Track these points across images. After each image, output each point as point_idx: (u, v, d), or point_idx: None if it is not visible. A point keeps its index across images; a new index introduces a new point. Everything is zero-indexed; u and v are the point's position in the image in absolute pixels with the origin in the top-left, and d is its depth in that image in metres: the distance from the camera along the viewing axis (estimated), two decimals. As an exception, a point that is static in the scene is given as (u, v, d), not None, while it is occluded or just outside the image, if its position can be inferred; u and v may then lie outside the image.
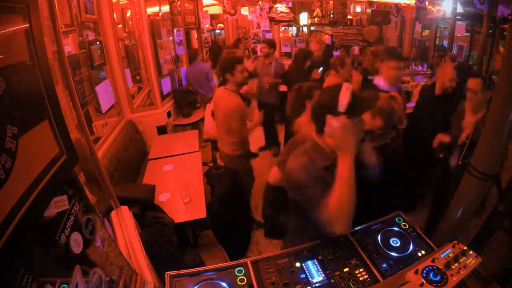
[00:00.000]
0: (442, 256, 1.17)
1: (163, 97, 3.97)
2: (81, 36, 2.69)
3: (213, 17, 8.03)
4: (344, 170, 1.18)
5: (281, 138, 4.31)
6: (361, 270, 1.21)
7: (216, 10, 7.63)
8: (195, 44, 5.65)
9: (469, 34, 5.45)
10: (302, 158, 1.30)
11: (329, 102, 1.18)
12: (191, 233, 2.32)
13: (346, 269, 1.21)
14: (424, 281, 1.07)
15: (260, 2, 6.96)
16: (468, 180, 1.93)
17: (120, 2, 3.50)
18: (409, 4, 6.69)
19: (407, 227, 1.42)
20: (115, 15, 3.15)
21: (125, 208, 1.75)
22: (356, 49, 6.96)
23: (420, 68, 5.74)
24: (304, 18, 7.78)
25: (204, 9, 6.56)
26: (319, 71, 3.64)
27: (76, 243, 0.97)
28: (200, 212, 2.14)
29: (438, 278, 1.08)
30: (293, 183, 1.30)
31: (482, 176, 1.83)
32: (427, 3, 5.98)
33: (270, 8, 6.89)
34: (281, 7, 6.61)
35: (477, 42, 5.10)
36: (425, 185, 3.21)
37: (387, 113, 2.01)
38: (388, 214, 1.50)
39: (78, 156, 1.13)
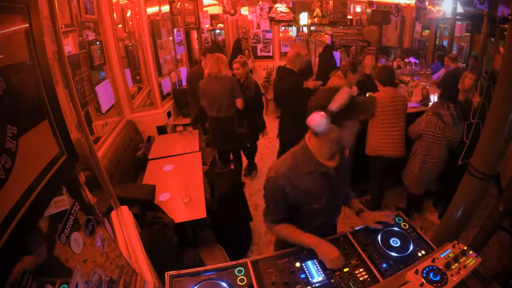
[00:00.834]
0: (442, 256, 1.17)
1: (163, 97, 3.97)
2: (81, 36, 2.69)
3: (213, 17, 8.02)
4: (308, 241, 1.28)
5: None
6: (361, 270, 1.21)
7: (216, 10, 7.62)
8: (195, 44, 5.65)
9: (469, 34, 5.45)
10: (287, 161, 1.30)
11: (321, 100, 1.17)
12: (191, 233, 2.32)
13: (346, 269, 1.21)
14: (424, 281, 1.07)
15: (260, 2, 6.97)
16: (468, 180, 1.93)
17: (120, 2, 3.50)
18: (409, 4, 6.69)
19: (407, 227, 1.42)
20: (115, 15, 3.15)
21: (125, 208, 1.75)
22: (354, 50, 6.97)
23: (420, 68, 5.74)
24: (304, 18, 7.77)
25: (204, 9, 6.55)
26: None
27: (76, 243, 0.97)
28: (200, 212, 2.14)
29: (438, 278, 1.08)
30: (268, 185, 1.32)
31: (482, 176, 1.83)
32: (427, 3, 5.98)
33: (270, 8, 6.89)
34: (281, 7, 6.61)
35: (477, 42, 5.10)
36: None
37: None
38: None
39: (78, 156, 1.13)
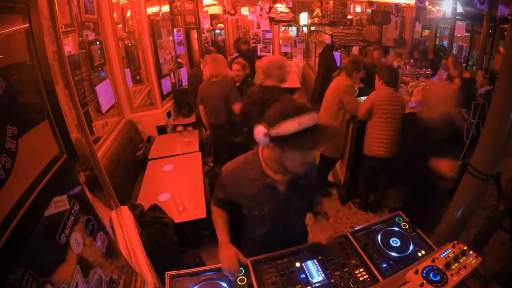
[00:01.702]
0: (442, 256, 1.17)
1: (163, 97, 3.97)
2: (81, 36, 2.69)
3: (213, 17, 8.03)
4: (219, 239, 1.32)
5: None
6: (361, 270, 1.21)
7: (216, 10, 7.63)
8: (195, 44, 5.65)
9: (469, 34, 5.46)
10: (237, 162, 1.31)
11: (270, 117, 1.08)
12: (191, 233, 2.32)
13: (346, 269, 1.21)
14: (424, 281, 1.07)
15: (260, 2, 6.96)
16: (468, 180, 1.93)
17: (120, 2, 3.50)
18: (409, 4, 6.69)
19: (407, 227, 1.42)
20: (115, 15, 3.15)
21: (125, 208, 1.75)
22: (355, 49, 6.97)
23: (420, 68, 5.74)
24: (304, 18, 7.78)
25: (204, 9, 6.56)
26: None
27: (76, 243, 0.97)
28: (200, 212, 2.14)
29: (438, 278, 1.08)
30: (221, 181, 1.36)
31: (482, 176, 1.83)
32: (427, 3, 5.98)
33: (270, 8, 6.88)
34: (281, 7, 6.60)
35: (477, 42, 5.10)
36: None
37: None
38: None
39: (78, 156, 1.13)
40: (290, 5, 7.25)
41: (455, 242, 1.24)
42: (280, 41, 7.47)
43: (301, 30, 8.22)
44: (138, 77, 4.04)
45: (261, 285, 1.14)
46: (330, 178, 3.64)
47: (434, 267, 1.12)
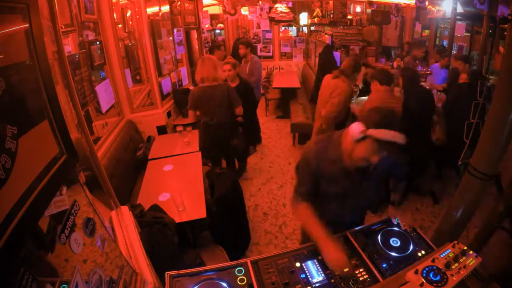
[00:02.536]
0: (442, 256, 1.17)
1: (163, 97, 3.97)
2: (81, 36, 2.69)
3: (213, 17, 8.03)
4: (317, 235, 1.30)
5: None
6: (361, 270, 1.21)
7: (216, 10, 7.63)
8: (195, 44, 5.65)
9: (469, 34, 5.45)
10: (322, 141, 1.43)
11: (374, 119, 1.21)
12: (191, 233, 2.32)
13: (346, 269, 1.21)
14: (424, 281, 1.07)
15: (260, 2, 6.97)
16: (468, 180, 1.93)
17: (120, 2, 3.49)
18: (409, 4, 6.69)
19: (407, 227, 1.42)
20: (115, 15, 3.15)
21: (125, 208, 1.75)
22: (356, 49, 6.97)
23: (420, 68, 5.74)
24: (304, 18, 7.77)
25: (204, 9, 6.56)
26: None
27: (76, 243, 0.97)
28: (200, 212, 2.14)
29: (438, 278, 1.08)
30: (301, 158, 1.46)
31: (482, 176, 1.83)
32: (427, 3, 5.98)
33: (270, 8, 6.89)
34: (281, 7, 6.60)
35: (477, 42, 5.10)
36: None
37: None
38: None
39: (78, 156, 1.13)
40: (290, 5, 7.25)
41: (455, 242, 1.24)
42: (280, 41, 7.48)
43: (301, 30, 8.21)
44: (138, 77, 4.04)
45: (261, 285, 1.15)
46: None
47: (434, 267, 1.12)
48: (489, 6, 4.12)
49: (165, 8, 4.18)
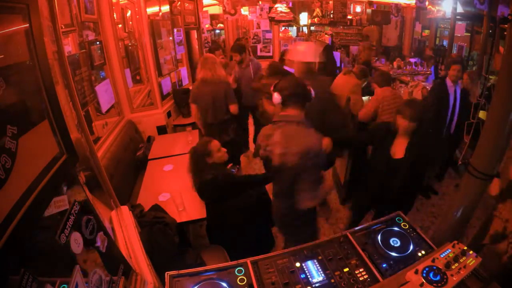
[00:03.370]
0: (442, 256, 1.17)
1: (163, 97, 3.97)
2: (81, 36, 2.68)
3: (213, 17, 8.03)
4: None
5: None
6: (361, 270, 1.21)
7: (216, 10, 7.63)
8: (195, 44, 5.65)
9: (469, 34, 5.45)
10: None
11: None
12: (191, 234, 2.32)
13: (346, 269, 1.21)
14: (424, 281, 1.07)
15: (260, 2, 6.96)
16: (468, 180, 1.93)
17: (120, 2, 3.49)
18: (409, 4, 6.69)
19: (407, 227, 1.42)
20: (115, 15, 3.15)
21: (125, 208, 1.75)
22: (354, 49, 6.97)
23: (420, 68, 5.74)
24: (304, 18, 7.78)
25: (204, 9, 6.56)
26: None
27: (76, 243, 0.97)
28: (200, 212, 2.14)
29: (438, 278, 1.08)
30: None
31: (482, 176, 1.83)
32: (427, 3, 5.98)
33: (270, 8, 6.88)
34: (281, 7, 6.61)
35: (477, 42, 5.10)
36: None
37: None
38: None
39: (78, 156, 1.13)
40: (290, 5, 7.25)
41: (455, 242, 1.24)
42: (280, 41, 7.47)
43: (301, 30, 8.22)
44: (138, 77, 4.04)
45: (261, 285, 1.14)
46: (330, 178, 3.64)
47: (434, 267, 1.12)
48: (489, 6, 4.12)
49: (165, 8, 4.18)
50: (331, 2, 7.11)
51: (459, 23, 5.52)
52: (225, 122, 3.22)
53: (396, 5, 6.82)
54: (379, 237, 1.35)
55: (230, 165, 2.62)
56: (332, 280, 1.17)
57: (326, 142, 1.86)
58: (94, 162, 1.52)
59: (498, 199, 1.58)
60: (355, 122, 3.03)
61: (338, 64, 5.28)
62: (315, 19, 7.45)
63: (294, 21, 7.50)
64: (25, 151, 0.78)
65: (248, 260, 1.23)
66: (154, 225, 1.87)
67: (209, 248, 2.17)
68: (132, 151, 3.17)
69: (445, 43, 6.25)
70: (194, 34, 5.55)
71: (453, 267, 1.11)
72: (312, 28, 7.60)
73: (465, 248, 1.20)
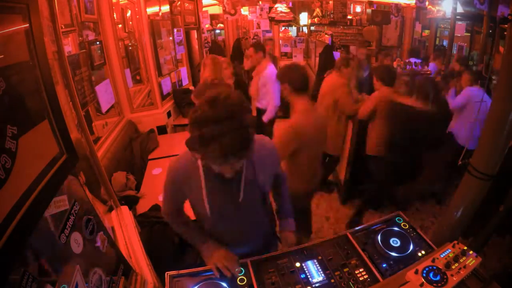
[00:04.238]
0: (442, 256, 1.17)
1: (163, 97, 3.97)
2: (81, 36, 2.68)
3: (213, 17, 8.03)
4: None
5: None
6: (361, 270, 1.21)
7: (216, 10, 7.63)
8: (195, 44, 5.65)
9: (469, 34, 5.45)
10: None
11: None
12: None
13: (346, 269, 1.21)
14: (424, 281, 1.07)
15: (260, 2, 6.96)
16: (468, 180, 1.93)
17: (120, 2, 3.49)
18: (409, 4, 6.69)
19: (407, 227, 1.42)
20: (115, 15, 3.15)
21: (125, 208, 1.75)
22: (354, 49, 6.96)
23: (420, 68, 5.74)
24: (304, 18, 7.78)
25: (204, 9, 6.55)
26: None
27: (76, 243, 0.97)
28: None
29: (438, 278, 1.08)
30: None
31: (482, 176, 1.82)
32: (427, 3, 5.98)
33: (270, 8, 6.88)
34: (281, 7, 6.61)
35: (477, 42, 5.10)
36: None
37: None
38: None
39: (78, 156, 1.13)
40: (290, 5, 7.25)
41: (455, 242, 1.24)
42: (280, 41, 7.48)
43: (301, 30, 8.22)
44: (138, 77, 4.04)
45: (261, 285, 1.14)
46: (330, 177, 3.65)
47: (434, 267, 1.12)
48: (489, 6, 4.12)
49: (165, 8, 4.18)
50: (331, 2, 7.11)
51: (459, 23, 5.52)
52: None
53: (396, 5, 6.82)
54: (379, 237, 1.35)
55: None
56: (332, 280, 1.17)
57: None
58: (94, 162, 1.53)
59: None
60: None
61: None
62: (315, 19, 7.45)
63: (294, 21, 7.50)
64: (25, 151, 0.78)
65: (248, 260, 1.23)
66: (154, 225, 1.87)
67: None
68: (132, 151, 3.17)
69: (445, 43, 6.24)
70: (194, 34, 5.55)
71: (453, 267, 1.11)
72: (312, 28, 7.60)
73: (465, 248, 1.20)
